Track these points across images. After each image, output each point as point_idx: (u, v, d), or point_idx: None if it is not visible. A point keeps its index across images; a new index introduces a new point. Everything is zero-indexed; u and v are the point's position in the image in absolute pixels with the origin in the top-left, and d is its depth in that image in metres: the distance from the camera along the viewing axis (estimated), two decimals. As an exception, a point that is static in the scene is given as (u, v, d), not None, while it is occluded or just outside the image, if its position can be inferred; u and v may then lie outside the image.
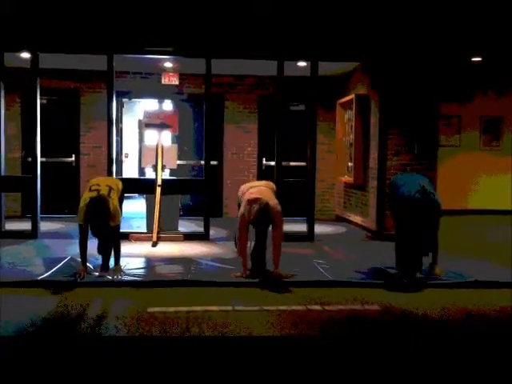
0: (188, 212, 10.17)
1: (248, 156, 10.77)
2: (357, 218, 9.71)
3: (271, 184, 6.59)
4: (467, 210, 9.99)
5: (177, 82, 10.03)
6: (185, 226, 8.99)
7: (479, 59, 8.80)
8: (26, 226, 8.28)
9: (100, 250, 6.14)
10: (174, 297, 5.42)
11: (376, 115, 8.68)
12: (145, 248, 7.61)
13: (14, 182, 8.59)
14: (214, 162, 9.98)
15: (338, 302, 5.31)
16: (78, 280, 5.75)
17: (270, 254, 6.05)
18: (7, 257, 6.75)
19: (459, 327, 4.74)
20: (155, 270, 6.44)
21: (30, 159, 8.67)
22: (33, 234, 8.13)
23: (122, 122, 10.85)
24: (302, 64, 8.82)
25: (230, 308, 5.08)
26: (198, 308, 5.02)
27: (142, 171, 11.68)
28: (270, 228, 6.12)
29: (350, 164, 9.71)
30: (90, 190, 5.97)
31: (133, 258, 6.79)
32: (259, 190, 6.18)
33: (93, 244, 5.99)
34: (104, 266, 6.08)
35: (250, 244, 6.32)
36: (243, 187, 6.44)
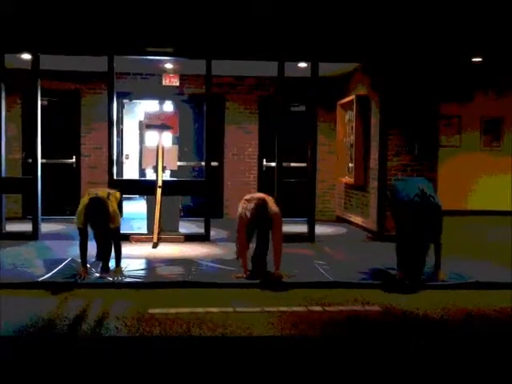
0: (188, 213, 10.15)
1: (249, 157, 10.76)
2: (357, 219, 9.71)
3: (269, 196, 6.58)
4: (467, 211, 10.00)
5: (177, 83, 10.04)
6: (185, 227, 8.99)
7: (479, 59, 8.80)
8: (26, 227, 8.28)
9: (99, 256, 6.16)
10: (174, 298, 5.41)
11: (376, 116, 8.68)
12: (145, 249, 7.61)
13: (14, 184, 8.59)
14: (214, 163, 9.98)
15: (338, 303, 5.30)
16: (79, 281, 5.76)
17: (271, 254, 6.06)
18: (8, 258, 6.75)
19: (460, 328, 4.74)
20: (156, 271, 6.44)
21: (30, 160, 8.69)
22: (33, 235, 8.13)
23: (122, 123, 10.85)
24: (302, 65, 8.83)
25: (230, 309, 5.08)
26: (199, 309, 5.02)
27: (142, 172, 11.66)
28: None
29: (350, 165, 9.71)
30: (89, 195, 6.02)
31: (133, 259, 6.79)
32: (257, 194, 6.30)
33: (93, 245, 5.99)
34: (104, 268, 6.10)
35: (252, 247, 6.31)
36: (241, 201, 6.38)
